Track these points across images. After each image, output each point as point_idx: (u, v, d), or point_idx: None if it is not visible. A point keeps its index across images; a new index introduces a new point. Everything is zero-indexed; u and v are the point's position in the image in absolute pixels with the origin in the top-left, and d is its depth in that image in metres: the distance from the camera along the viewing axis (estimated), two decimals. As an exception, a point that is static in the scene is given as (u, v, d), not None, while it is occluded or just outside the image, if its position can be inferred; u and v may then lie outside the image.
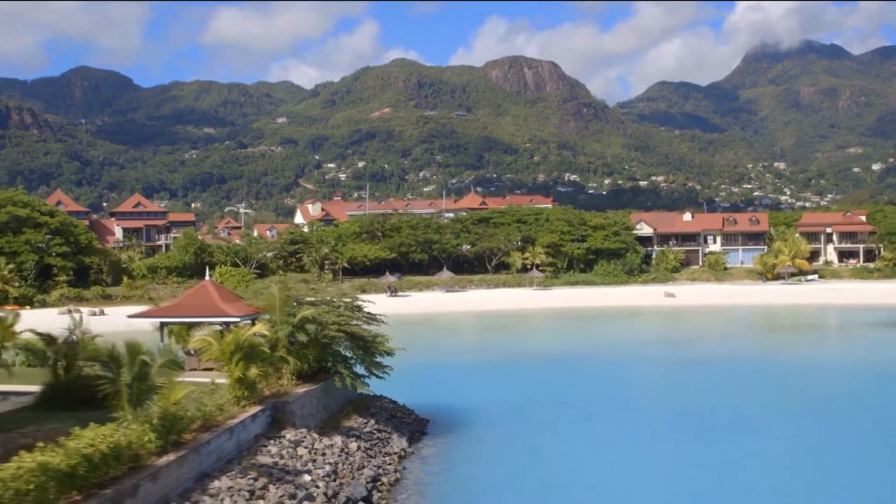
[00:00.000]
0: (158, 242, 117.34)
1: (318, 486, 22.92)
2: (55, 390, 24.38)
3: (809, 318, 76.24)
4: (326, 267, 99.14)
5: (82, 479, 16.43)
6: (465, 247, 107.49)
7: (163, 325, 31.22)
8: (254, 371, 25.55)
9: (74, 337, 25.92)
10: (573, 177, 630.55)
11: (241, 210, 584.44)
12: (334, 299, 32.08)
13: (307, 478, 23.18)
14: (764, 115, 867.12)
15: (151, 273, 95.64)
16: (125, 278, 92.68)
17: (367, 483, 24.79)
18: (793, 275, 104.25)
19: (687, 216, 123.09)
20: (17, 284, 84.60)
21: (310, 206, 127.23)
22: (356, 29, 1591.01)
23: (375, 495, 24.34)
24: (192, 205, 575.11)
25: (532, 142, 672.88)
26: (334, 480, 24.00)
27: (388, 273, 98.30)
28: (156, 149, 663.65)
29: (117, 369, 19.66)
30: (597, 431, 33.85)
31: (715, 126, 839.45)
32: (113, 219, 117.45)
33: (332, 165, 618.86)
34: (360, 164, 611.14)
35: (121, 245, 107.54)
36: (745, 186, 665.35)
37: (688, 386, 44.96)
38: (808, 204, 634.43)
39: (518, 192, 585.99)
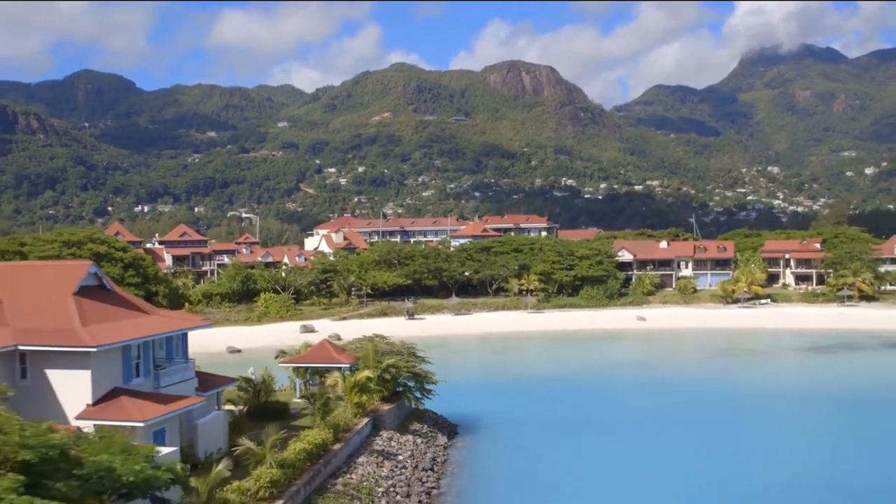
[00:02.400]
0: (204, 268, 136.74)
1: (406, 462, 42.45)
2: (256, 409, 43.65)
3: (747, 343, 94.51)
4: (353, 292, 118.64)
5: (315, 455, 36.01)
6: (469, 273, 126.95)
7: (296, 368, 50.47)
8: (364, 398, 45.07)
9: (259, 380, 45.39)
10: (570, 181, 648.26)
11: (243, 213, 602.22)
12: (402, 351, 51.27)
13: (400, 457, 42.72)
14: (759, 119, 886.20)
15: (206, 298, 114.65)
16: (186, 304, 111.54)
17: (430, 461, 44.30)
18: (749, 299, 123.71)
19: (663, 244, 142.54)
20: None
21: (333, 235, 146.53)
22: (359, 32, 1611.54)
23: (436, 468, 43.74)
24: (196, 209, 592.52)
25: (530, 146, 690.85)
26: (412, 458, 43.54)
27: (405, 299, 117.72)
28: (159, 153, 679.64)
29: (316, 401, 39.22)
30: (577, 434, 52.34)
31: (711, 129, 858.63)
32: (163, 247, 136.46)
33: (332, 170, 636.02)
34: (361, 169, 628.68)
35: (173, 272, 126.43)
36: (738, 191, 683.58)
37: (641, 404, 63.64)
38: (800, 208, 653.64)
39: (516, 196, 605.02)
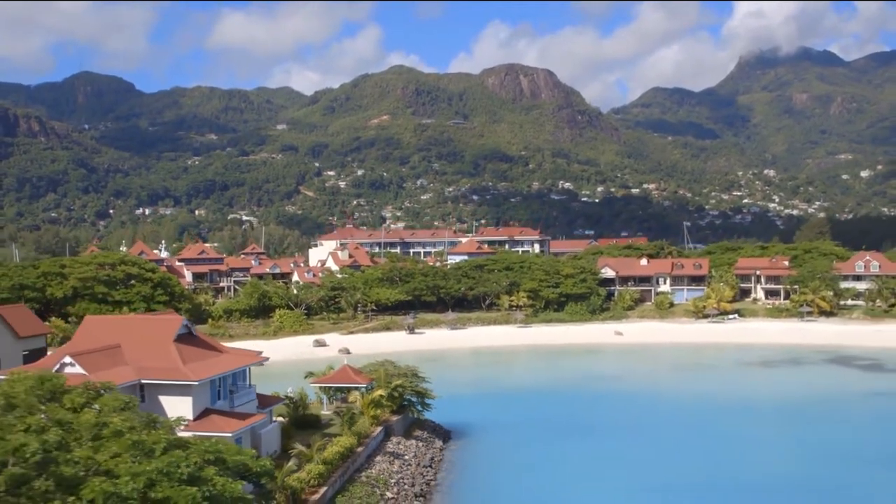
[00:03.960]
0: (221, 284, 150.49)
1: (411, 461, 56.32)
2: (297, 420, 57.38)
3: (706, 359, 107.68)
4: (359, 308, 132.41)
5: (345, 455, 49.93)
6: (464, 289, 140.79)
7: (322, 388, 64.15)
8: (378, 411, 58.92)
9: (297, 397, 59.25)
10: (567, 184, 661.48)
11: (244, 217, 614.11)
12: (407, 373, 64.94)
13: (406, 457, 56.58)
14: (757, 122, 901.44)
15: (227, 314, 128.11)
16: (209, 319, 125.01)
17: (429, 460, 58.11)
18: (718, 314, 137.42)
19: (643, 261, 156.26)
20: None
21: (339, 253, 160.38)
22: (359, 33, 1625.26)
23: (434, 465, 57.50)
24: (196, 212, 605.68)
25: (527, 149, 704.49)
26: (416, 458, 57.39)
27: (406, 313, 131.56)
28: (159, 155, 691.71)
29: (344, 415, 53.11)
30: (551, 438, 65.53)
31: (708, 132, 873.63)
32: (183, 264, 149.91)
33: (331, 173, 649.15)
34: (360, 173, 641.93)
35: (193, 288, 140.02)
36: (734, 194, 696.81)
37: (608, 413, 77.00)
38: (795, 212, 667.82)
39: (513, 199, 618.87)
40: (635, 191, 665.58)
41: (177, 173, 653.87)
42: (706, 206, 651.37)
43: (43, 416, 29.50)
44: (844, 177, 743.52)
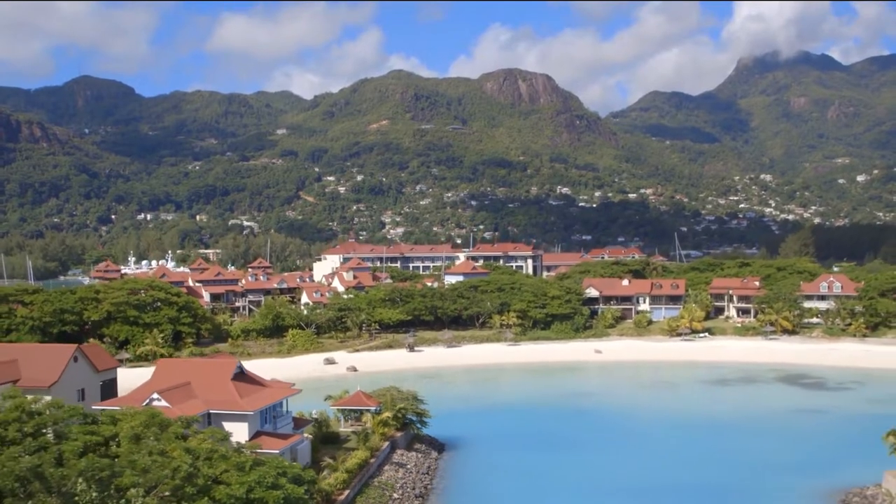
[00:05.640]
0: (237, 304, 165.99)
1: (412, 469, 72.18)
2: (321, 437, 73.11)
3: (672, 376, 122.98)
4: (363, 327, 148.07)
5: (362, 466, 65.81)
6: (460, 309, 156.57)
7: (340, 410, 79.87)
8: (386, 429, 74.76)
9: (321, 418, 75.00)
10: (565, 190, 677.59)
11: (244, 222, 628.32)
12: (408, 397, 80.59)
13: (408, 466, 72.44)
14: (755, 125, 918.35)
15: (244, 334, 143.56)
16: (228, 339, 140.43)
17: (427, 468, 73.92)
18: (691, 332, 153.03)
19: (625, 282, 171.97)
20: (161, 346, 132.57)
21: (344, 274, 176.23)
22: (360, 36, 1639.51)
23: (430, 473, 73.23)
24: (197, 217, 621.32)
25: (526, 154, 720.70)
26: (416, 467, 73.25)
27: (407, 331, 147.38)
28: (160, 160, 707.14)
29: (360, 433, 68.92)
30: (530, 448, 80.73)
31: (706, 135, 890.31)
32: (201, 285, 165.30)
33: (331, 178, 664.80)
34: (359, 178, 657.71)
35: (212, 308, 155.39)
36: (731, 198, 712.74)
37: (577, 426, 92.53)
38: (791, 216, 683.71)
39: (511, 205, 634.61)
40: (632, 196, 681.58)
41: (178, 178, 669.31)
42: (702, 212, 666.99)
43: (169, 443, 45.14)
44: (841, 181, 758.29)
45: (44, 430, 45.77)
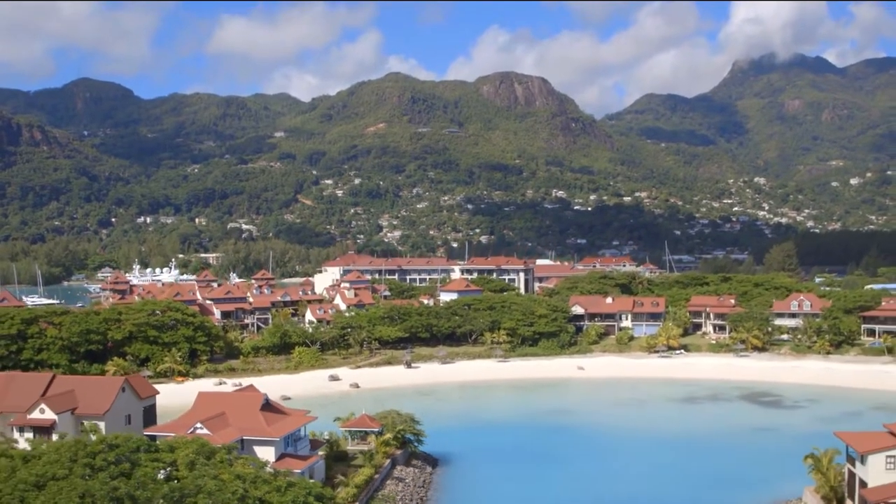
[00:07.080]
0: (246, 321, 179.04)
1: (410, 483, 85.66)
2: (332, 455, 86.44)
3: (643, 393, 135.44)
4: (364, 344, 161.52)
5: (368, 480, 79.39)
6: (454, 326, 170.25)
7: (348, 431, 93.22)
8: (387, 448, 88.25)
9: (332, 439, 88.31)
10: (560, 193, 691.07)
11: (243, 225, 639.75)
12: (407, 419, 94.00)
13: (406, 480, 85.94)
14: (750, 128, 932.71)
15: (254, 351, 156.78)
16: (240, 356, 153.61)
17: (423, 482, 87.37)
18: (668, 349, 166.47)
19: (609, 300, 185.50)
20: (179, 363, 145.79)
21: (346, 291, 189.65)
22: (359, 38, 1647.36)
23: (426, 486, 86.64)
24: (196, 220, 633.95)
25: (521, 157, 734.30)
26: (413, 481, 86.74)
27: (404, 349, 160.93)
28: (159, 162, 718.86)
29: (366, 453, 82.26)
30: (513, 462, 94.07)
31: (701, 138, 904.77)
32: (212, 303, 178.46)
33: (329, 182, 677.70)
34: (357, 181, 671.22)
35: (223, 325, 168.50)
36: (725, 202, 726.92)
37: (551, 441, 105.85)
38: (784, 220, 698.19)
39: (507, 208, 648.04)
40: (627, 199, 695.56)
41: (177, 181, 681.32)
42: (696, 215, 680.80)
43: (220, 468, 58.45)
44: (834, 184, 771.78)
45: (122, 459, 59.04)
